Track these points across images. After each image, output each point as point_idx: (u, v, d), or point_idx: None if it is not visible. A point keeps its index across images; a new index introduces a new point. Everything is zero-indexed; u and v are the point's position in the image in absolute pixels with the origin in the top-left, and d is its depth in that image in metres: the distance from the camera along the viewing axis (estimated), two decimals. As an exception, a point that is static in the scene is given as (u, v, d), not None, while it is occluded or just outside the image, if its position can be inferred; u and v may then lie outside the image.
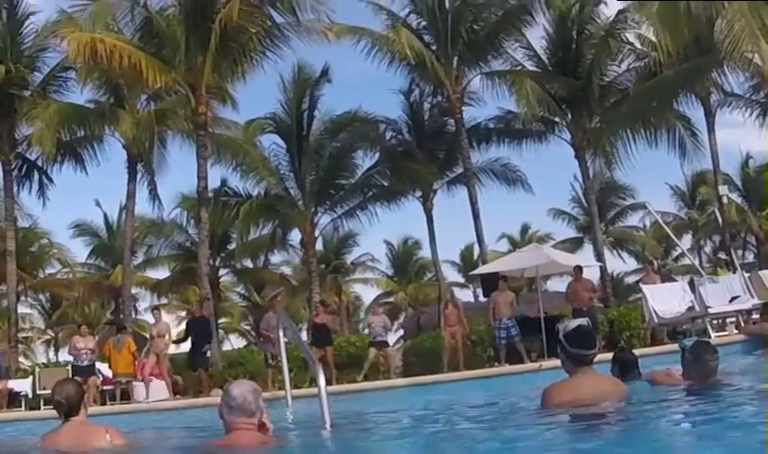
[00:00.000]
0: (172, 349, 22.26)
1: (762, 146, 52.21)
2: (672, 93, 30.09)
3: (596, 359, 6.18)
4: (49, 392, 18.80)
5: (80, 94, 30.45)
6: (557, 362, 6.38)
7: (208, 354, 21.40)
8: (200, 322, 21.69)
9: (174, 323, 23.29)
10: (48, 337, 54.04)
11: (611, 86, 31.69)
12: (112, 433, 6.20)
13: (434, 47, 30.60)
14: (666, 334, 20.23)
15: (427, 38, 30.96)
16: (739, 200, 46.35)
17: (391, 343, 24.61)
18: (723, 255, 27.15)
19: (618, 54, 31.59)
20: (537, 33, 32.10)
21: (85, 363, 20.22)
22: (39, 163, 31.10)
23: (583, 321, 6.55)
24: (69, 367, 21.30)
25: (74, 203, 73.86)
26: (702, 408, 6.10)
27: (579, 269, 21.56)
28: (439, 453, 5.53)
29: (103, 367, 21.83)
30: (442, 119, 33.32)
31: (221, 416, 5.42)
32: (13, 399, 21.60)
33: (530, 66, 31.94)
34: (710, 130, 31.65)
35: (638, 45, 31.70)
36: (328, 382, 15.75)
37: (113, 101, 30.48)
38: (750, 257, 46.69)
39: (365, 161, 33.93)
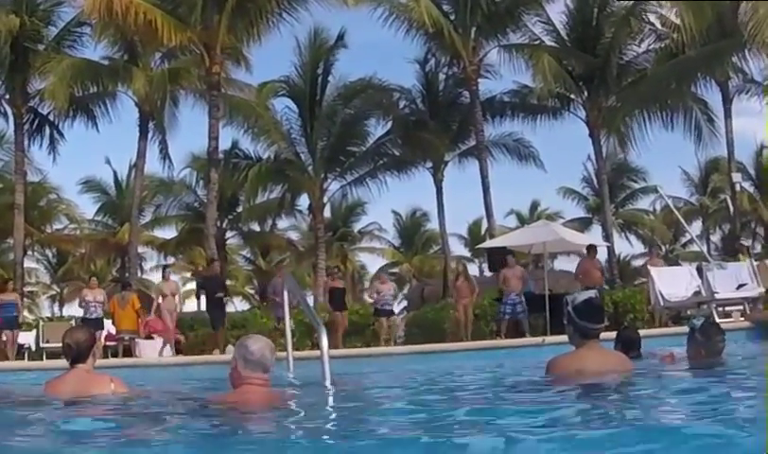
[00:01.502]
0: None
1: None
2: (691, 75, 29.91)
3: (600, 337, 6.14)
4: (53, 345, 18.97)
5: (95, 50, 30.56)
6: (560, 339, 6.34)
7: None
8: (213, 280, 21.78)
9: (176, 284, 23.26)
10: (54, 292, 54.18)
11: (629, 66, 31.49)
12: (116, 382, 6.22)
13: (452, 17, 30.40)
14: (671, 319, 20.18)
15: (445, 7, 30.76)
16: (751, 190, 46.16)
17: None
18: (744, 242, 26.95)
19: (638, 34, 31.35)
20: (557, 8, 31.97)
21: (94, 316, 20.30)
22: (50, 117, 31.09)
23: (592, 293, 6.47)
24: (76, 320, 21.38)
25: (84, 160, 73.93)
26: (705, 385, 6.04)
27: (592, 248, 21.50)
28: (434, 412, 5.49)
29: (107, 323, 21.85)
30: (456, 91, 33.22)
31: (234, 370, 5.36)
32: (17, 352, 21.67)
33: (548, 41, 31.72)
34: (727, 116, 31.39)
35: (659, 26, 31.45)
36: (335, 346, 15.84)
37: (126, 58, 30.44)
38: (758, 248, 46.54)
39: (377, 129, 33.93)
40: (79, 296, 21.82)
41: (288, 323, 10.84)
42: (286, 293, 11.10)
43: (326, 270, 27.12)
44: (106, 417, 5.46)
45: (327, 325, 21.75)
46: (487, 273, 27.37)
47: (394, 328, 22.17)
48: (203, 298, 21.86)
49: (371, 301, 23.56)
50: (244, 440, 4.54)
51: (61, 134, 31.48)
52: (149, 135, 31.11)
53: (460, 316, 21.68)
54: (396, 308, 23.58)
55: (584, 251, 21.66)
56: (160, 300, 21.61)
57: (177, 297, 21.80)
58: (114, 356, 21.46)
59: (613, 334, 8.35)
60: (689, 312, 19.64)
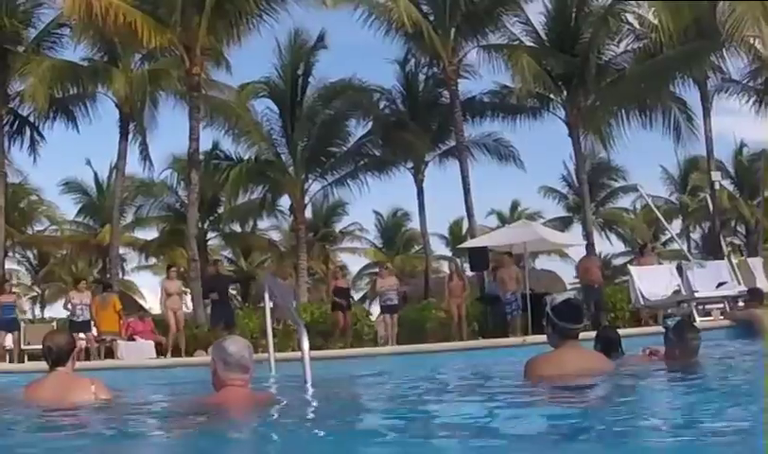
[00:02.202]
0: (157, 310, 22.27)
1: (757, 134, 52.23)
2: (669, 74, 30.03)
3: (580, 337, 6.19)
4: (34, 347, 18.91)
5: (74, 51, 30.31)
6: (542, 338, 6.39)
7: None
8: (219, 279, 21.84)
9: (179, 284, 23.30)
10: (35, 293, 53.89)
11: (608, 66, 31.56)
12: (97, 386, 6.18)
13: (432, 18, 30.38)
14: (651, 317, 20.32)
15: (425, 8, 30.73)
16: (731, 188, 46.43)
17: (375, 314, 24.58)
18: (735, 240, 27.11)
19: (617, 34, 31.44)
20: (536, 8, 31.96)
21: (81, 318, 20.34)
22: (31, 119, 30.90)
23: (571, 294, 6.55)
24: (58, 323, 21.33)
25: (64, 161, 73.65)
26: (683, 384, 6.11)
27: (591, 246, 21.78)
28: (415, 412, 5.54)
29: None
30: (436, 91, 33.27)
31: (215, 373, 5.38)
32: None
33: (527, 41, 31.74)
34: (706, 115, 31.51)
35: (638, 26, 31.59)
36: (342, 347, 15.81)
37: (106, 59, 30.26)
38: (740, 245, 46.78)
39: (358, 129, 33.85)
40: (66, 298, 21.81)
41: (270, 325, 10.85)
42: (267, 293, 11.11)
43: (340, 267, 26.96)
44: (86, 422, 5.47)
45: (332, 325, 21.97)
46: (468, 273, 27.39)
47: (394, 327, 21.85)
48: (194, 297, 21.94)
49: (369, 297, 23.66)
50: (226, 442, 4.57)
51: (42, 136, 31.33)
52: (130, 136, 30.93)
53: (454, 315, 21.77)
54: (376, 307, 23.45)
55: (566, 251, 21.82)
56: (165, 297, 21.70)
57: (181, 297, 21.94)
58: (96, 357, 21.46)
59: (593, 334, 8.43)
60: (669, 311, 19.78)
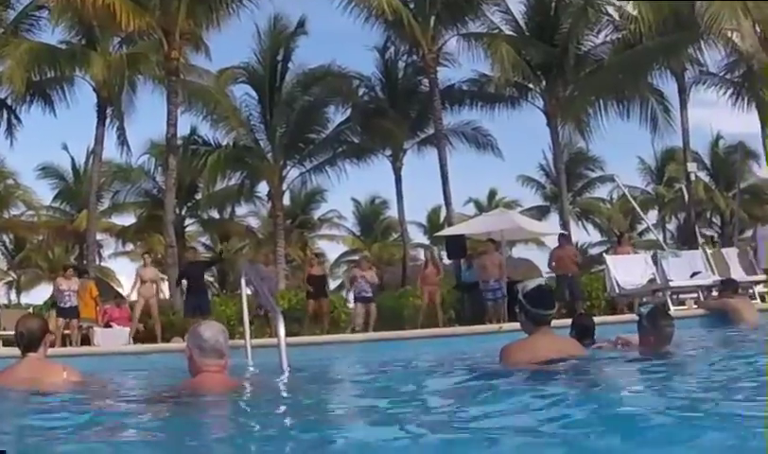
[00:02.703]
0: (135, 296, 22.15)
1: (733, 126, 52.59)
2: (647, 65, 30.15)
3: (555, 325, 6.25)
4: (9, 333, 18.80)
5: (53, 33, 30.10)
6: (518, 325, 6.43)
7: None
8: (193, 266, 21.73)
9: (155, 271, 23.15)
10: (10, 279, 53.55)
11: (587, 56, 31.68)
12: (69, 371, 6.18)
13: (412, 5, 30.36)
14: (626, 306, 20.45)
15: (405, -5, 30.80)
16: (707, 179, 46.73)
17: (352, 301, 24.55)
18: (708, 232, 27.29)
19: (596, 24, 31.54)
20: (516, -3, 32.07)
21: (68, 305, 20.27)
22: (8, 102, 30.69)
23: (541, 280, 6.60)
24: (34, 309, 21.25)
25: (41, 145, 73.08)
26: (656, 371, 6.17)
27: (564, 236, 21.88)
28: (390, 398, 5.57)
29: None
30: (416, 79, 33.32)
31: (190, 359, 5.38)
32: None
33: (507, 30, 31.82)
34: (683, 106, 31.70)
35: (617, 17, 31.68)
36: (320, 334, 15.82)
37: (84, 43, 30.07)
38: (715, 237, 47.06)
39: (336, 116, 33.94)
40: (54, 285, 21.74)
41: (246, 312, 10.85)
42: (243, 281, 11.10)
43: (315, 255, 26.94)
44: (58, 406, 5.46)
45: (304, 313, 21.94)
46: (446, 261, 27.47)
47: (372, 316, 21.88)
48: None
49: (343, 288, 23.70)
50: (200, 427, 4.58)
51: (19, 119, 31.14)
52: (107, 121, 30.78)
53: (424, 303, 21.81)
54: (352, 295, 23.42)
55: (542, 240, 21.95)
56: (138, 284, 21.58)
57: (156, 284, 21.80)
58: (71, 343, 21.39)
59: (568, 321, 8.50)
60: (644, 299, 19.90)
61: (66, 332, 20.47)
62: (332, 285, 42.48)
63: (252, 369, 8.31)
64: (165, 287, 25.23)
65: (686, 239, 33.66)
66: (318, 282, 22.53)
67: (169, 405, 5.53)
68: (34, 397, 5.79)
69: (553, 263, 21.27)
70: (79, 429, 4.56)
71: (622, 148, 66.69)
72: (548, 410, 4.44)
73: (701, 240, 23.52)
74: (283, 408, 5.69)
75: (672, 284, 18.06)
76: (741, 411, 3.90)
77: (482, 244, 22.97)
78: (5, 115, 30.79)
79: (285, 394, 6.48)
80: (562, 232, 22.19)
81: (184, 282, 21.32)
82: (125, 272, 51.59)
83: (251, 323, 10.82)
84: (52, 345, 6.51)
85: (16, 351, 6.38)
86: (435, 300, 21.89)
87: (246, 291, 11.16)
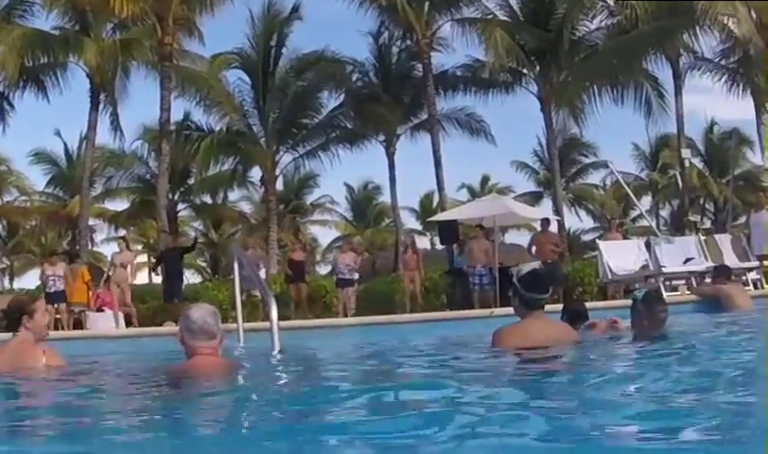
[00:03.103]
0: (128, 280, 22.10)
1: (728, 113, 52.65)
2: (642, 51, 30.13)
3: (547, 310, 6.24)
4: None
5: (46, 19, 30.07)
6: (509, 311, 6.43)
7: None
8: (170, 251, 21.70)
9: (131, 256, 23.07)
10: (4, 265, 53.49)
11: (582, 41, 31.63)
12: (49, 354, 6.11)
13: (406, -10, 30.33)
14: (618, 292, 20.48)
15: (399, -20, 30.69)
16: (701, 166, 46.78)
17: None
18: (692, 217, 27.31)
19: (591, 9, 31.49)
20: (511, -18, 31.97)
21: (53, 290, 20.24)
22: (0, 88, 30.59)
23: (536, 264, 6.58)
24: (28, 294, 21.24)
25: (34, 131, 72.97)
26: (649, 356, 6.16)
27: (546, 221, 21.87)
28: (381, 381, 5.56)
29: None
30: (409, 64, 33.25)
31: (182, 342, 5.38)
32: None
33: (501, 15, 31.81)
34: (677, 92, 31.69)
35: (611, 2, 31.62)
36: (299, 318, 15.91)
37: (78, 28, 29.97)
38: (707, 223, 47.14)
39: (330, 101, 33.94)
40: (40, 271, 21.73)
41: (239, 296, 10.84)
42: (236, 265, 11.08)
43: (296, 239, 26.91)
44: (36, 390, 5.43)
45: (288, 297, 21.96)
46: (438, 247, 27.50)
47: (349, 299, 22.08)
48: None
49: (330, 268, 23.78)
50: (192, 408, 4.57)
51: (12, 105, 31.07)
52: (100, 107, 30.69)
53: (407, 288, 21.86)
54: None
55: (536, 225, 21.95)
56: (111, 272, 21.53)
57: (129, 268, 21.65)
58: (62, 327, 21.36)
59: (560, 306, 8.49)
60: (636, 286, 19.91)
61: (57, 317, 20.43)
62: (325, 270, 42.53)
63: (244, 352, 8.30)
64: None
65: (679, 226, 33.73)
66: (297, 267, 22.55)
67: (160, 387, 5.53)
68: (10, 382, 5.74)
69: (533, 248, 21.22)
70: (63, 408, 4.53)
71: (616, 134, 66.71)
72: (538, 393, 4.44)
73: (696, 225, 23.52)
74: (274, 389, 5.67)
75: (664, 270, 18.07)
76: (731, 397, 3.90)
77: (474, 230, 22.97)
78: (-3, 101, 30.70)
79: (276, 376, 6.47)
80: (545, 217, 22.15)
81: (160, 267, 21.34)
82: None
83: (242, 306, 10.80)
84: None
85: (8, 335, 6.35)
86: (416, 284, 21.97)
87: (237, 275, 11.14)
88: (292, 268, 22.52)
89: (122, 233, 45.39)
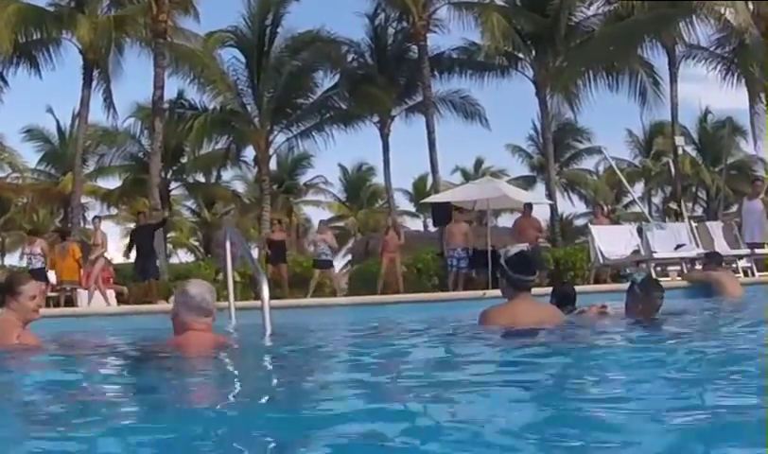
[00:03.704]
0: (120, 259, 22.08)
1: (722, 102, 52.69)
2: (638, 38, 30.10)
3: (537, 293, 6.27)
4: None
5: (40, -5, 29.83)
6: (500, 292, 6.46)
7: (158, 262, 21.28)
8: (141, 230, 21.63)
9: (122, 234, 23.06)
10: (-6, 242, 53.43)
11: (578, 27, 31.67)
12: (23, 333, 6.02)
13: (404, -28, 30.27)
14: (609, 276, 20.54)
15: (396, -39, 30.66)
16: (693, 154, 46.84)
17: (338, 267, 24.68)
18: (673, 205, 27.41)
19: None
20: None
21: (32, 268, 20.21)
22: (-6, 64, 30.47)
23: (524, 245, 6.63)
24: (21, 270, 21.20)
25: (26, 108, 72.80)
26: (641, 339, 6.20)
27: (529, 206, 21.86)
28: (371, 360, 5.59)
29: (50, 274, 21.65)
30: (405, 46, 33.19)
31: (176, 316, 5.38)
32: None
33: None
34: (673, 80, 31.69)
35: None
36: (280, 299, 15.94)
37: (72, 5, 29.81)
38: (699, 211, 47.27)
39: (325, 82, 33.85)
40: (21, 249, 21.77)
41: (231, 274, 10.83)
42: (228, 244, 11.07)
43: (278, 221, 26.87)
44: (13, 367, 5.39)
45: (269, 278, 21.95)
46: (431, 228, 27.51)
47: (334, 280, 22.20)
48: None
49: (312, 250, 23.77)
50: (185, 384, 4.58)
51: (5, 81, 30.90)
52: (93, 84, 30.55)
53: (383, 269, 21.89)
54: (340, 263, 23.61)
55: (543, 209, 21.99)
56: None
57: (104, 245, 21.46)
58: (56, 306, 21.33)
59: (550, 289, 8.53)
60: (627, 271, 19.98)
61: (52, 293, 20.42)
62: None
63: (235, 330, 8.32)
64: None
65: (663, 212, 33.83)
66: (277, 246, 22.56)
67: (152, 362, 5.54)
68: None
69: (516, 233, 21.23)
70: (41, 387, 4.53)
71: (611, 120, 66.77)
72: (522, 373, 4.47)
73: (686, 213, 23.58)
74: (265, 366, 5.70)
75: (656, 255, 18.14)
76: (721, 381, 3.92)
77: (468, 212, 23.01)
78: (-9, 77, 30.55)
79: (266, 354, 6.50)
80: (527, 201, 22.18)
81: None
82: (109, 235, 51.35)
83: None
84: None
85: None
86: (396, 265, 22.01)
87: (229, 253, 11.14)
88: (272, 248, 22.51)
89: (113, 211, 45.65)
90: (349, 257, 41.67)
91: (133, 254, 22.29)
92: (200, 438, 2.93)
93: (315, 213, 53.13)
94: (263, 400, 4.03)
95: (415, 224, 52.46)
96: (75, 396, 4.18)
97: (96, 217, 24.58)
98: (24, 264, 21.27)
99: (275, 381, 4.89)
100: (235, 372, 5.21)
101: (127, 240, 24.13)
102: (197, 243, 53.16)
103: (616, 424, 2.89)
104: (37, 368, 5.41)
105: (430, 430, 2.91)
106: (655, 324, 6.84)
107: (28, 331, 6.08)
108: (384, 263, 22.04)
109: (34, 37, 29.74)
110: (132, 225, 47.18)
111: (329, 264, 22.59)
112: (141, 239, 21.09)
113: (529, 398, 3.61)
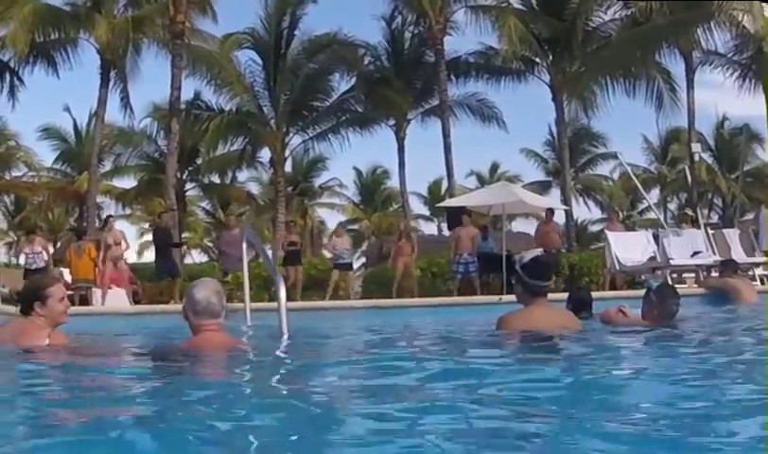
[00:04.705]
0: (134, 258, 22.12)
1: (739, 109, 52.49)
2: (656, 43, 30.05)
3: (553, 299, 6.24)
4: (7, 290, 18.79)
5: (57, -6, 29.98)
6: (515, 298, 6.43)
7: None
8: (158, 231, 21.69)
9: (137, 234, 23.10)
10: (10, 239, 53.61)
11: (596, 32, 31.59)
12: (52, 334, 5.97)
13: (421, -25, 30.26)
14: (625, 283, 20.47)
15: (414, -35, 30.66)
16: (710, 161, 46.62)
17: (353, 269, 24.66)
18: (689, 211, 27.28)
19: (605, 0, 31.37)
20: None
21: (33, 267, 20.28)
22: (11, 63, 30.59)
23: (539, 251, 6.59)
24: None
25: (44, 107, 73.26)
26: (657, 346, 6.16)
27: (551, 211, 21.87)
28: (388, 363, 5.56)
29: (64, 273, 21.70)
30: (421, 49, 33.17)
31: (186, 319, 5.41)
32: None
33: (515, 3, 31.79)
34: (690, 86, 31.64)
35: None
36: (292, 300, 15.92)
37: (89, 5, 29.95)
38: (715, 218, 47.05)
39: (341, 85, 33.93)
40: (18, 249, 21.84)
41: (247, 275, 10.83)
42: (245, 245, 11.07)
43: (292, 223, 26.87)
44: (43, 368, 5.38)
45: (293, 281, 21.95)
46: (446, 232, 27.46)
47: (349, 282, 22.19)
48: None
49: (329, 255, 23.73)
50: (197, 385, 4.57)
51: (21, 81, 31.07)
52: (111, 84, 30.71)
53: (398, 273, 21.84)
54: (354, 265, 23.57)
55: (543, 214, 21.94)
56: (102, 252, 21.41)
57: (123, 244, 21.49)
58: (71, 305, 21.35)
59: (566, 295, 8.49)
60: (642, 277, 19.91)
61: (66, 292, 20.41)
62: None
63: (250, 332, 8.31)
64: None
65: (677, 217, 33.70)
66: (292, 249, 22.56)
67: (167, 363, 5.53)
68: (20, 357, 5.68)
69: (539, 238, 21.17)
70: (67, 385, 4.53)
71: (627, 126, 66.56)
72: (541, 380, 4.44)
73: (702, 221, 23.45)
74: (281, 368, 5.68)
75: (672, 262, 18.08)
76: (737, 390, 3.89)
77: (483, 217, 22.95)
78: (7, 77, 30.68)
79: (282, 355, 6.49)
80: (549, 207, 22.15)
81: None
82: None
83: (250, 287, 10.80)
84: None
85: (14, 309, 6.27)
86: (410, 271, 21.98)
87: (245, 254, 11.13)
88: (288, 250, 22.51)
89: (128, 211, 45.77)
90: (363, 260, 41.60)
91: (147, 254, 22.33)
92: (210, 441, 2.92)
93: (329, 215, 53.17)
94: (270, 399, 4.02)
95: (430, 228, 52.49)
96: (89, 396, 4.17)
97: (109, 216, 24.57)
98: (22, 263, 21.26)
99: (289, 383, 4.87)
100: (250, 373, 5.20)
101: (142, 240, 24.14)
102: (210, 244, 53.24)
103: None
104: (70, 367, 5.41)
105: (448, 436, 2.89)
106: (669, 331, 6.80)
107: (58, 332, 6.03)
108: (399, 268, 21.97)
109: (52, 36, 29.89)
110: (147, 225, 47.69)
111: (349, 266, 22.59)
112: (161, 239, 21.15)
113: (545, 410, 3.58)
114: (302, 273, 22.15)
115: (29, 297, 5.96)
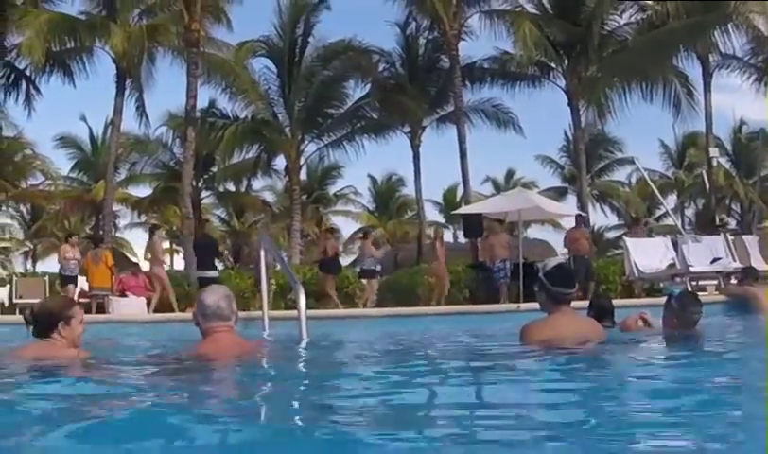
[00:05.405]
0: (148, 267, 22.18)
1: (756, 113, 52.16)
2: (672, 47, 29.91)
3: (573, 306, 6.17)
4: (26, 301, 18.90)
5: (72, 4, 30.23)
6: (535, 305, 6.38)
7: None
8: (204, 241, 21.81)
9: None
10: (27, 248, 53.83)
11: (611, 36, 31.45)
12: (81, 353, 5.83)
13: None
14: (643, 290, 20.35)
15: (428, -30, 30.60)
16: (727, 166, 46.39)
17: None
18: (724, 218, 27.08)
19: (621, 3, 31.26)
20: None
21: (73, 274, 20.41)
22: (27, 72, 30.73)
23: (562, 259, 6.53)
24: (50, 277, 21.35)
25: (60, 115, 73.71)
26: (678, 354, 6.09)
27: (580, 217, 21.90)
28: (408, 372, 5.51)
29: (81, 280, 21.78)
30: (436, 55, 33.15)
31: (197, 324, 5.51)
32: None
33: (530, 8, 31.68)
34: (707, 90, 31.48)
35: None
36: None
37: (105, 14, 30.05)
38: (733, 224, 46.81)
39: (355, 91, 33.89)
40: (59, 253, 21.86)
41: (265, 283, 10.80)
42: (262, 252, 11.04)
43: (329, 230, 26.96)
44: (68, 378, 5.31)
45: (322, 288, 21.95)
46: (461, 240, 27.39)
47: (367, 290, 22.18)
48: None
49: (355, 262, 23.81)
50: (211, 387, 4.56)
51: (38, 89, 31.20)
52: (126, 92, 30.76)
53: (441, 278, 21.79)
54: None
55: (559, 221, 21.87)
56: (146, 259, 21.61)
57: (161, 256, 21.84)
58: (88, 312, 21.38)
59: (583, 302, 8.40)
60: (661, 285, 19.78)
61: (83, 300, 20.51)
62: (347, 260, 42.45)
63: (269, 339, 8.28)
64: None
65: (704, 225, 33.49)
66: (335, 258, 22.65)
67: (180, 368, 5.54)
68: (41, 372, 5.58)
69: (569, 244, 21.13)
70: (89, 392, 4.49)
71: (643, 131, 66.38)
72: (567, 390, 4.38)
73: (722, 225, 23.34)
74: (295, 372, 5.66)
75: (692, 269, 17.93)
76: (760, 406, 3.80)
77: (490, 223, 22.91)
78: (23, 86, 30.83)
79: (299, 361, 6.45)
80: (579, 212, 22.06)
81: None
82: (140, 243, 51.65)
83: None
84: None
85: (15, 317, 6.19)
86: (445, 279, 21.94)
87: (263, 263, 11.09)
88: (332, 257, 22.54)
89: (143, 219, 45.88)
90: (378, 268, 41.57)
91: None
92: (219, 445, 2.90)
93: (344, 223, 53.16)
94: (282, 401, 3.98)
95: (445, 236, 52.31)
96: (103, 404, 4.12)
97: (154, 225, 24.79)
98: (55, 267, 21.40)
99: (305, 387, 4.83)
100: (265, 376, 5.20)
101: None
102: (226, 252, 53.29)
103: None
104: (85, 376, 5.36)
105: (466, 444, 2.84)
106: (692, 339, 6.74)
107: (83, 350, 5.92)
108: (439, 272, 21.92)
109: (67, 45, 29.98)
110: (163, 233, 47.75)
111: (375, 274, 22.55)
112: (204, 252, 21.18)
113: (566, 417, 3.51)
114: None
115: (52, 319, 5.70)
